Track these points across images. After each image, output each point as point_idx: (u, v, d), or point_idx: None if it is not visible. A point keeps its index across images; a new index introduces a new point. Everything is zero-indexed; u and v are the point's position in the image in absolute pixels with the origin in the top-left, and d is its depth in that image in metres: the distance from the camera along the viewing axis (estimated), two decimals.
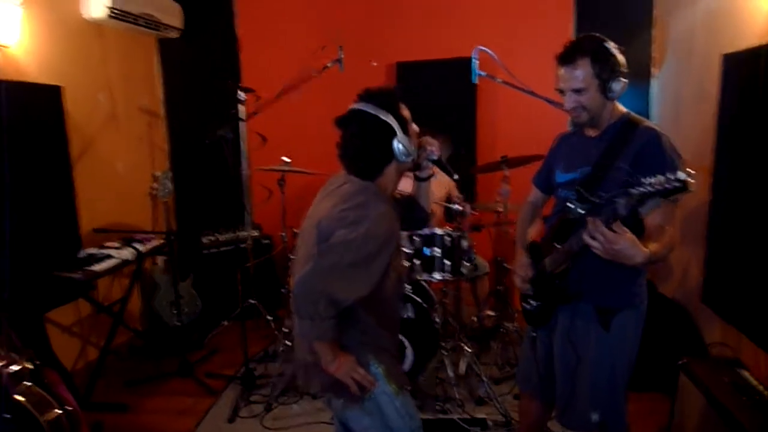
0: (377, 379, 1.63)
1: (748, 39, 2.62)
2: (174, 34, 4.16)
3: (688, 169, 1.38)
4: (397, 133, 1.57)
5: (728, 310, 2.80)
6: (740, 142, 2.72)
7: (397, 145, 1.57)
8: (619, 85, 1.74)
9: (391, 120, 1.57)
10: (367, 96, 1.62)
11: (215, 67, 4.44)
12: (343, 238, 1.49)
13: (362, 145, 1.59)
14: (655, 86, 3.99)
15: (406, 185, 3.41)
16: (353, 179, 1.64)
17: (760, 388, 2.08)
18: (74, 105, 3.35)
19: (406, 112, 1.63)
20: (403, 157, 1.59)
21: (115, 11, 3.45)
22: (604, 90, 1.74)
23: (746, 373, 2.20)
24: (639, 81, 3.86)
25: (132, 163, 4.07)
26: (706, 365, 2.38)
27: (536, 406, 2.17)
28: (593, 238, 1.49)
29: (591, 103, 1.76)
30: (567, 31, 4.05)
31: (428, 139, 1.77)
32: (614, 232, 1.47)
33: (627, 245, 1.48)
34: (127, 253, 3.34)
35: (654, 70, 3.94)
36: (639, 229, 1.66)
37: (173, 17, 4.05)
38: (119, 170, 3.92)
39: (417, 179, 1.85)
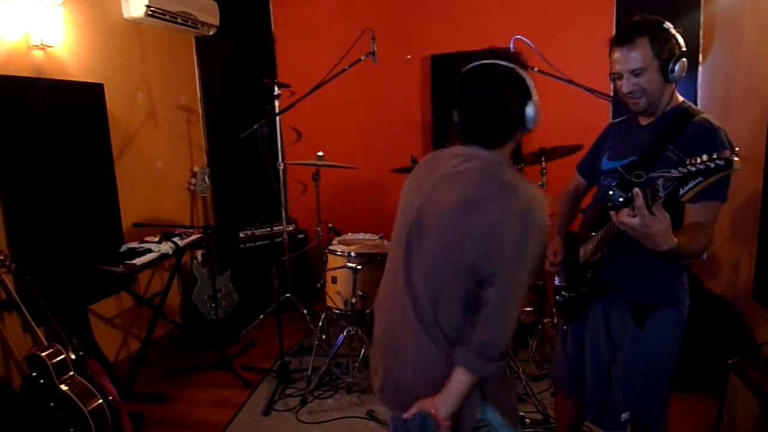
0: (492, 425, 1.45)
1: None
2: (211, 32, 4.22)
3: (735, 148, 1.28)
4: (533, 95, 1.38)
5: None
6: None
7: (530, 110, 1.38)
8: (680, 65, 1.64)
9: (528, 79, 1.39)
10: (495, 54, 1.43)
11: (251, 63, 4.49)
12: (516, 246, 1.27)
13: (498, 103, 1.37)
14: (702, 75, 3.82)
15: None
16: (476, 152, 1.39)
17: None
18: (115, 102, 3.44)
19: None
20: (531, 124, 1.40)
21: (153, 9, 3.52)
22: (665, 71, 1.65)
23: None
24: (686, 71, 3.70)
25: (171, 159, 4.16)
26: (759, 365, 2.26)
27: (571, 404, 2.11)
28: (634, 214, 1.40)
29: (650, 85, 1.67)
30: (607, 18, 3.92)
31: None
32: (653, 214, 1.38)
33: (660, 231, 1.39)
34: (166, 248, 3.41)
35: (701, 58, 3.77)
36: (678, 221, 1.58)
37: (210, 15, 4.11)
38: (158, 166, 4.01)
39: None
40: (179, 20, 3.80)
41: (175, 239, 3.52)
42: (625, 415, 1.78)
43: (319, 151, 3.51)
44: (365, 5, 4.40)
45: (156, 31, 3.88)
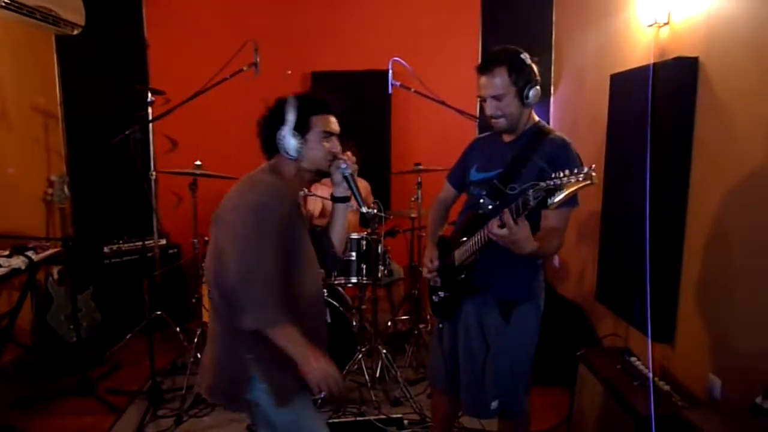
0: (260, 396, 1.62)
1: (633, 62, 2.93)
2: (74, 31, 3.93)
3: (592, 165, 1.52)
4: (286, 126, 1.65)
5: (617, 304, 3.07)
6: (621, 153, 3.02)
7: (281, 136, 1.65)
8: (535, 91, 1.88)
9: (289, 113, 1.66)
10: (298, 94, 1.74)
11: (120, 67, 4.24)
12: (241, 209, 1.56)
13: (263, 127, 1.72)
14: (553, 105, 4.32)
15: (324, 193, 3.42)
16: (263, 164, 1.75)
17: (646, 371, 2.30)
18: None
19: (320, 121, 1.71)
20: (288, 152, 1.66)
21: (9, 2, 3.21)
22: (521, 96, 1.87)
23: (634, 359, 2.43)
24: (540, 100, 4.15)
25: (25, 166, 3.77)
26: (601, 354, 2.59)
27: (446, 400, 2.26)
28: (502, 227, 1.60)
29: (509, 109, 1.88)
30: (474, 49, 4.30)
31: (348, 154, 1.84)
32: (517, 225, 1.59)
33: (525, 237, 1.62)
34: (18, 262, 3.07)
35: (553, 90, 4.27)
36: (536, 225, 1.82)
37: (73, 13, 3.83)
38: (9, 174, 3.62)
39: (333, 200, 1.87)
40: (38, 16, 3.49)
41: (29, 253, 3.19)
42: (494, 404, 1.96)
43: (196, 161, 3.40)
44: (245, 16, 4.39)
45: (9, 25, 3.53)
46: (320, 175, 1.78)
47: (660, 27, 2.67)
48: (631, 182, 2.90)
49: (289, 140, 1.65)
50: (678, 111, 2.49)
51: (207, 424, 2.92)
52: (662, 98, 2.58)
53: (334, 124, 1.75)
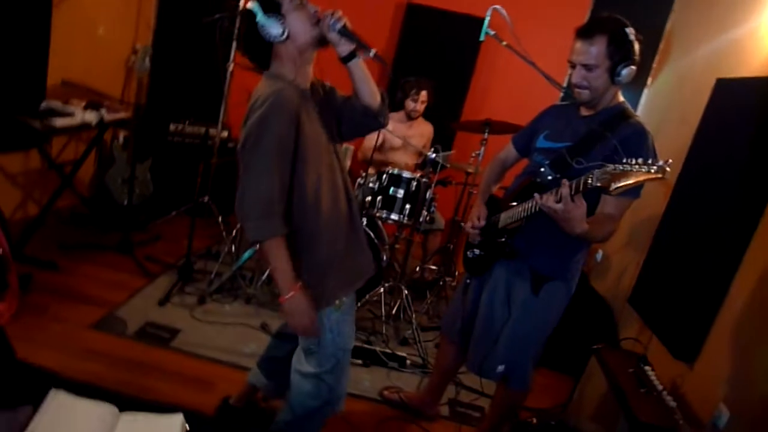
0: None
1: (747, 71, 2.72)
2: None
3: (668, 159, 1.43)
4: (257, 14, 1.52)
5: (648, 312, 2.99)
6: (705, 162, 2.85)
7: (260, 27, 1.53)
8: (628, 71, 1.75)
9: (252, 5, 1.53)
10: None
11: None
12: (246, 132, 1.51)
13: (244, 37, 1.60)
14: (646, 96, 4.08)
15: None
16: (264, 74, 1.64)
17: (657, 383, 2.27)
18: None
19: None
20: (274, 36, 1.54)
21: None
22: (613, 72, 1.76)
23: (648, 369, 2.39)
24: (633, 87, 3.93)
25: (115, 28, 3.88)
26: (617, 354, 2.56)
27: (453, 351, 2.30)
28: (558, 200, 1.56)
29: (597, 82, 1.78)
30: (580, 20, 4.04)
31: (330, 11, 1.59)
32: (574, 201, 1.54)
33: (578, 216, 1.56)
34: (91, 117, 3.23)
35: (650, 81, 4.02)
36: (592, 208, 1.75)
37: None
38: (100, 32, 3.74)
39: (343, 61, 1.65)
40: None
41: (102, 111, 3.34)
42: (501, 367, 1.98)
43: None
44: None
45: None
46: (320, 43, 1.62)
47: None
48: (704, 195, 2.76)
49: (269, 25, 1.52)
50: None
51: (226, 311, 3.09)
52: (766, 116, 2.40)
53: None
